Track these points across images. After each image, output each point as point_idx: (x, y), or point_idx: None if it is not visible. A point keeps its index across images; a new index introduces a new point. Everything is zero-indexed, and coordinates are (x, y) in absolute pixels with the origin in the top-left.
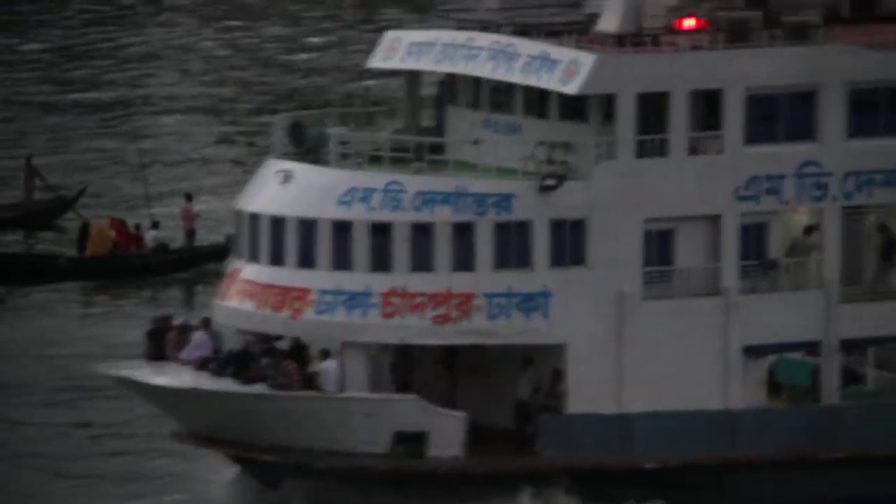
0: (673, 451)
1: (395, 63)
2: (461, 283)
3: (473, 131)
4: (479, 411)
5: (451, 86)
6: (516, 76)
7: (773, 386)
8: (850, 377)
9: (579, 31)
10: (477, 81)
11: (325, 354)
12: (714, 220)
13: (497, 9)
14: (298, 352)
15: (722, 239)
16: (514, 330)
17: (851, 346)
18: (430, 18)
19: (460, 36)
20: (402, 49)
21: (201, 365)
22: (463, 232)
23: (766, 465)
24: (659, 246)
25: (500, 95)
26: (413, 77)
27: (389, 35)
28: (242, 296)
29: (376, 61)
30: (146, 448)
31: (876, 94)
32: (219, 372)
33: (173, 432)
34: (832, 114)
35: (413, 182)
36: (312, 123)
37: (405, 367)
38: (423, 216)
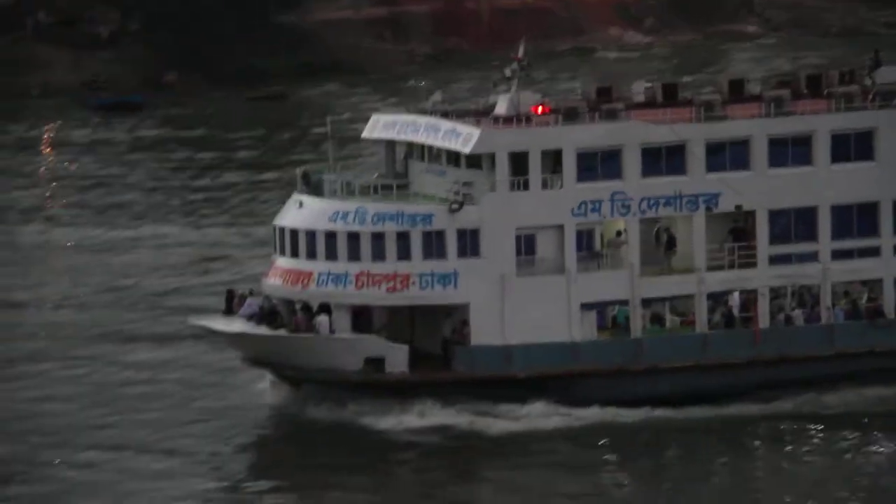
0: (538, 367)
1: (376, 134)
2: (403, 267)
3: (421, 175)
4: (427, 344)
5: (410, 147)
6: (439, 142)
7: (616, 324)
8: (659, 320)
9: (479, 114)
10: (421, 145)
11: (322, 310)
12: (560, 229)
13: (441, 101)
14: (324, 309)
15: (565, 240)
16: (437, 296)
17: (649, 302)
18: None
19: (410, 118)
20: (379, 126)
21: (250, 318)
22: (403, 237)
23: (597, 374)
24: (526, 244)
25: (434, 153)
26: (389, 143)
27: (374, 117)
28: (276, 276)
29: (366, 133)
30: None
31: (659, 150)
32: (259, 322)
33: (242, 358)
34: (632, 162)
35: (371, 207)
36: (315, 172)
37: (369, 319)
38: (378, 228)
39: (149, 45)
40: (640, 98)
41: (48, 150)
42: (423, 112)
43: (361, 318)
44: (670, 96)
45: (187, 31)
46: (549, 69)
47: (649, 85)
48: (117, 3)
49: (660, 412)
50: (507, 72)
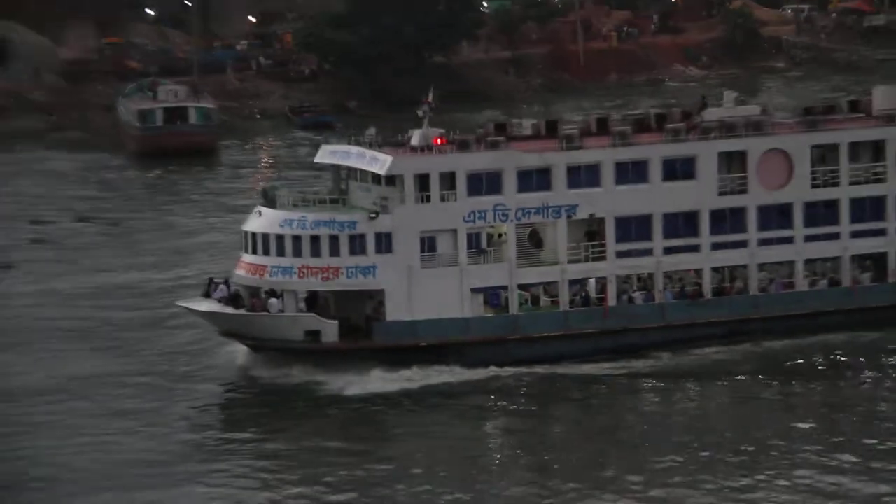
0: (437, 337)
1: (323, 159)
2: (332, 262)
3: (356, 191)
4: (356, 319)
5: (348, 170)
6: (364, 166)
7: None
8: (536, 300)
9: (398, 145)
10: (354, 169)
11: (272, 294)
12: (454, 232)
13: (374, 134)
14: (277, 293)
15: (458, 240)
16: (359, 284)
17: (525, 287)
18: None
19: (345, 147)
20: (326, 153)
21: (220, 300)
22: (334, 239)
23: (482, 343)
24: (428, 244)
25: (362, 174)
26: (334, 166)
27: (322, 147)
28: (242, 268)
29: (317, 159)
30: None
31: (531, 172)
32: (227, 304)
33: (219, 332)
34: (510, 180)
35: (311, 216)
36: (271, 188)
37: (315, 301)
38: (316, 231)
39: (338, 79)
40: (528, 131)
41: (266, 155)
42: (360, 143)
43: (313, 301)
44: (551, 130)
45: (366, 69)
46: (628, 96)
47: (534, 122)
48: (316, 49)
49: (532, 370)
50: (420, 112)
